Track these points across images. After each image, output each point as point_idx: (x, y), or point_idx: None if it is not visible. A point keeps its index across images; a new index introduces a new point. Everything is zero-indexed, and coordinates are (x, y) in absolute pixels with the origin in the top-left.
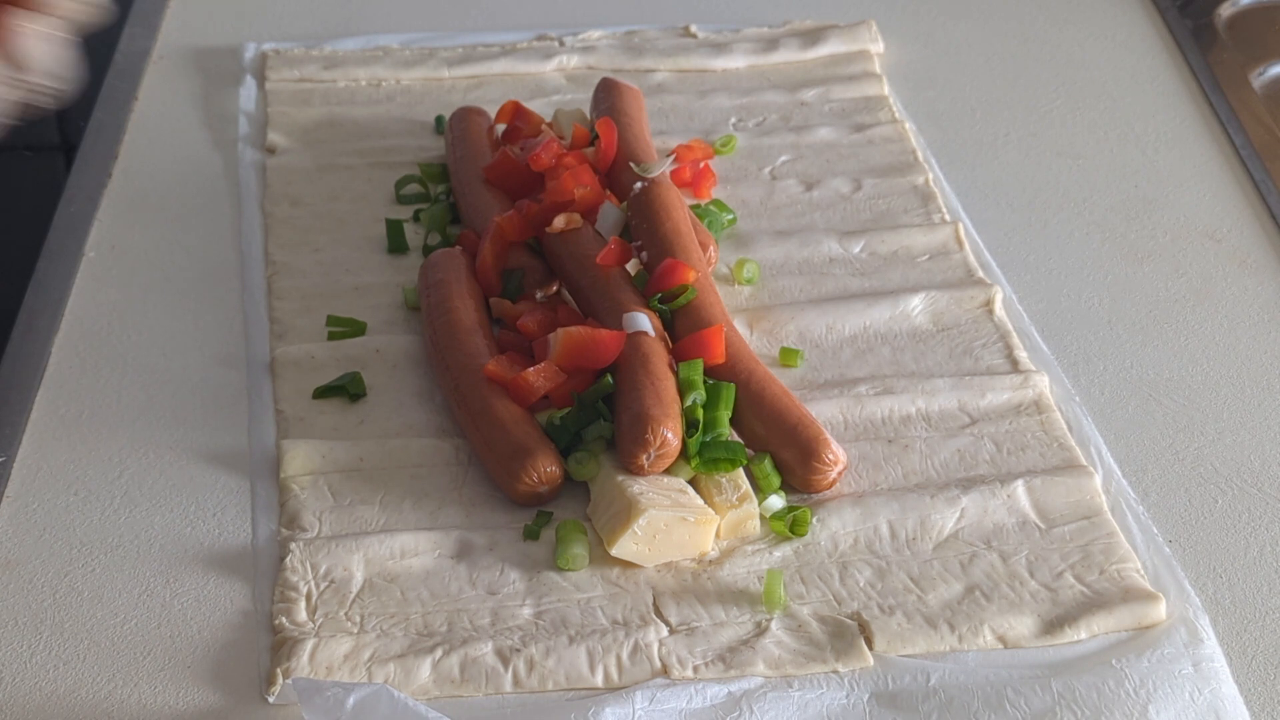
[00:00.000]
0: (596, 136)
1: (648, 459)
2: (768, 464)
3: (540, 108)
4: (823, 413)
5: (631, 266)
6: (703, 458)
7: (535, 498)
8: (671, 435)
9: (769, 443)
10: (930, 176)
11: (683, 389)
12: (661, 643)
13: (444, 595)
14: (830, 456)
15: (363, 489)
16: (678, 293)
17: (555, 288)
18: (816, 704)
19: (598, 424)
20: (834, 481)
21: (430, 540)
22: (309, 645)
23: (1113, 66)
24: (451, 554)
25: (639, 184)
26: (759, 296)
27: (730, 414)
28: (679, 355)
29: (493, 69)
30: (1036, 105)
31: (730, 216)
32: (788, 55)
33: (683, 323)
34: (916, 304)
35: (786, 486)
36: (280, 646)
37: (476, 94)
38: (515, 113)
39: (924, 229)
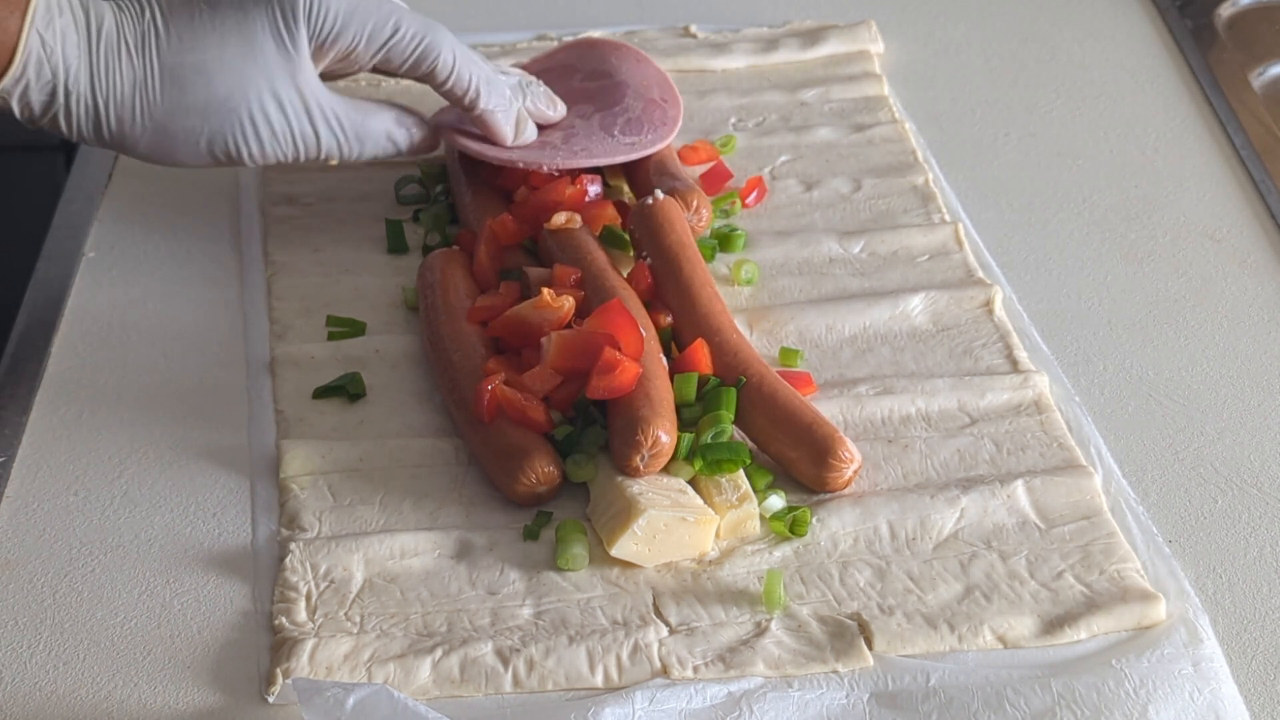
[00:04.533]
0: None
1: (642, 460)
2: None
3: None
4: (822, 413)
5: None
6: (705, 459)
7: (534, 498)
8: (665, 435)
9: (783, 443)
10: (930, 176)
11: (678, 404)
12: (661, 643)
13: (444, 595)
14: (846, 454)
15: (363, 489)
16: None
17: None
18: (816, 704)
19: (594, 428)
20: (850, 480)
21: (430, 540)
22: (309, 645)
23: (1113, 66)
24: (451, 554)
25: (647, 199)
26: (759, 296)
27: (732, 415)
28: (673, 369)
29: None
30: (1036, 105)
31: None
32: (788, 55)
33: (688, 332)
34: (916, 304)
35: (799, 486)
36: (280, 646)
37: None
38: None
39: (924, 229)
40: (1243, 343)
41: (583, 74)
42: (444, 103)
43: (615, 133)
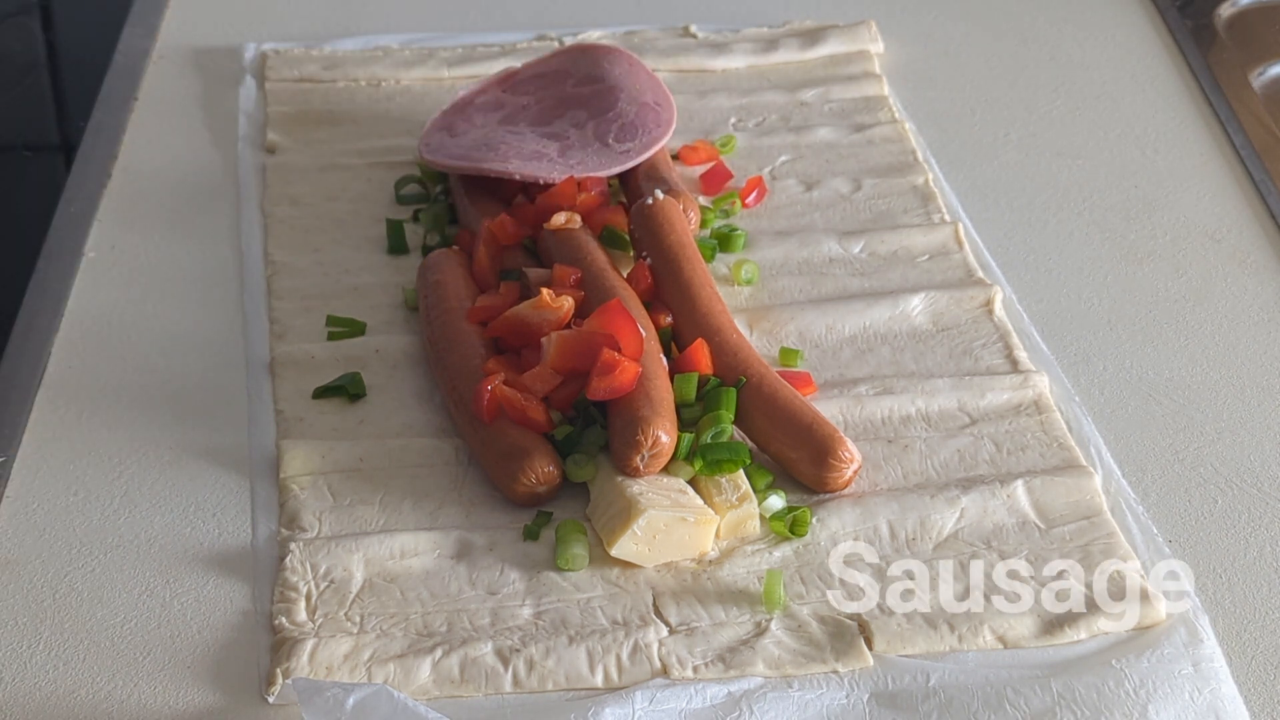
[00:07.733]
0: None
1: (642, 460)
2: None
3: None
4: (822, 413)
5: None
6: (705, 459)
7: (534, 498)
8: (664, 435)
9: (783, 443)
10: (930, 176)
11: (678, 404)
12: (661, 643)
13: (444, 595)
14: (846, 454)
15: (363, 489)
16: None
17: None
18: (816, 704)
19: (594, 428)
20: (850, 480)
21: (430, 540)
22: (309, 645)
23: (1113, 66)
24: (451, 554)
25: (647, 200)
26: (759, 296)
27: (732, 415)
28: (673, 369)
29: (492, 69)
30: (1036, 105)
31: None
32: (788, 55)
33: (688, 332)
34: (916, 304)
35: (799, 486)
36: (280, 646)
37: None
38: None
39: (924, 229)
40: (1243, 343)
41: (575, 79)
42: (435, 114)
43: (610, 140)
